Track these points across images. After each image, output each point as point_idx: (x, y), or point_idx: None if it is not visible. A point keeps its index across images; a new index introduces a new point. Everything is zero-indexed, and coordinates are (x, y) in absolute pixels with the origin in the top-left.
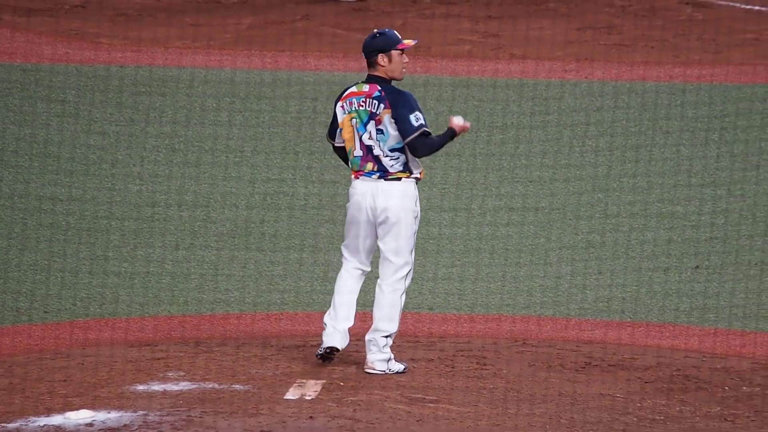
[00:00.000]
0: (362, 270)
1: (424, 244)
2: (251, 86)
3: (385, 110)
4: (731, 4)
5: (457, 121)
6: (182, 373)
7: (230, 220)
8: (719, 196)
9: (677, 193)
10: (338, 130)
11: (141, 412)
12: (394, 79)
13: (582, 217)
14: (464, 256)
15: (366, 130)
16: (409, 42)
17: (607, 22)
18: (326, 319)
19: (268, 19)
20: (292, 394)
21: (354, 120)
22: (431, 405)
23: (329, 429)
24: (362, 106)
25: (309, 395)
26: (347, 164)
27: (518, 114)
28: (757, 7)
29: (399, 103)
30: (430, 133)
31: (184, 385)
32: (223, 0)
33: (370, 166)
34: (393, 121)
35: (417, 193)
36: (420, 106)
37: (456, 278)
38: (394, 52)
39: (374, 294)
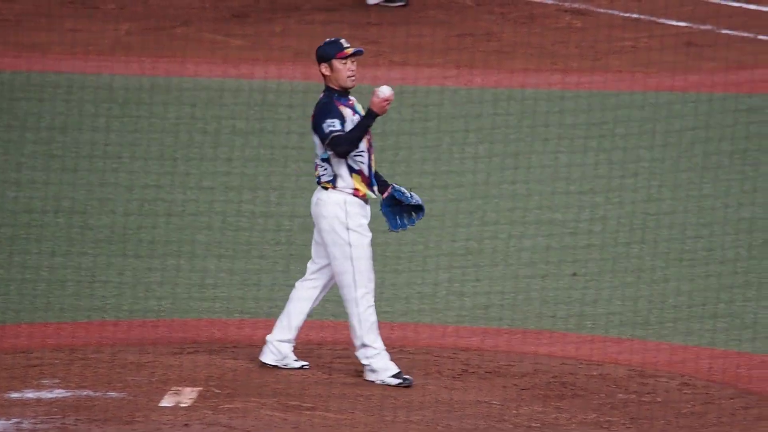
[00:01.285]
0: (311, 279)
1: (303, 251)
2: (129, 92)
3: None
4: (610, 11)
5: (378, 95)
6: (57, 381)
7: (107, 227)
8: (597, 203)
9: (555, 200)
10: None
11: (14, 420)
12: (345, 88)
13: (460, 224)
14: None
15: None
16: (349, 50)
17: (487, 29)
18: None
19: (146, 25)
20: (167, 402)
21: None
22: (308, 412)
23: None
24: None
25: (184, 402)
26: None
27: (398, 121)
28: (635, 15)
29: (315, 113)
30: (342, 137)
31: (58, 393)
32: (102, 6)
33: (315, 172)
34: (312, 129)
35: (353, 207)
36: (339, 115)
37: (334, 285)
38: (335, 61)
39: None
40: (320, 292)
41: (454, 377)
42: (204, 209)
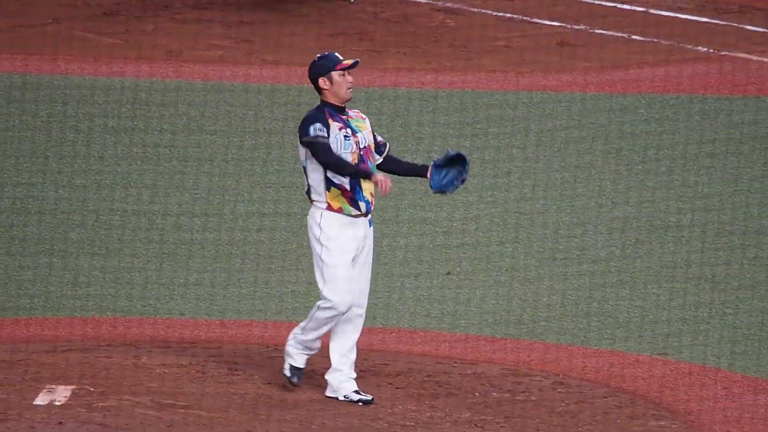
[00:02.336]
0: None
1: (176, 249)
2: (0, 90)
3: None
4: (483, 11)
5: (383, 178)
6: None
7: None
8: (470, 202)
9: (429, 199)
10: None
11: None
12: (343, 100)
13: None
14: (216, 261)
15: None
16: (347, 62)
17: (360, 28)
18: None
19: (17, 23)
20: (41, 400)
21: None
22: (182, 411)
23: None
24: None
25: (58, 401)
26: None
27: (270, 119)
28: (508, 14)
29: (302, 121)
30: (328, 147)
31: None
32: None
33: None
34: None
35: (327, 221)
36: (326, 125)
37: (207, 283)
38: (334, 74)
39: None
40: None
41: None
42: (76, 207)
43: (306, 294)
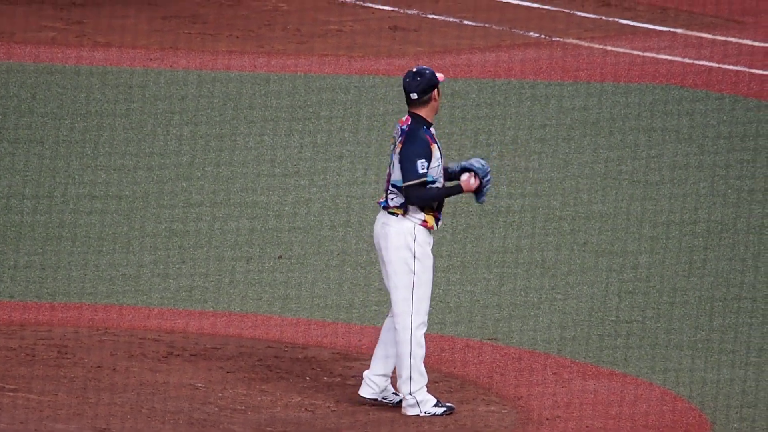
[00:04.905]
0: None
1: (6, 231)
2: None
3: (399, 143)
4: None
5: (468, 180)
6: None
7: None
8: (302, 185)
9: (260, 182)
10: None
11: None
12: (434, 115)
13: (165, 206)
14: (46, 243)
15: (391, 159)
16: (441, 76)
17: (192, 11)
18: None
19: None
20: None
21: (390, 147)
22: (10, 394)
23: None
24: (396, 133)
25: None
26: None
27: (102, 101)
28: None
29: (410, 142)
30: (431, 182)
31: None
32: None
33: (383, 195)
34: (399, 157)
35: (421, 235)
36: (429, 154)
37: (37, 266)
38: (437, 89)
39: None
40: None
41: (158, 359)
42: None
43: (136, 277)
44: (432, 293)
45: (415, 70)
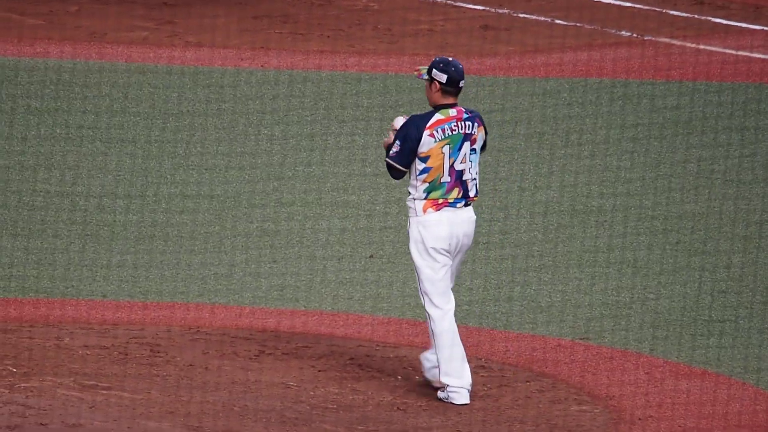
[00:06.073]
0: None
1: (99, 231)
2: None
3: (479, 128)
4: None
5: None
6: None
7: None
8: (393, 185)
9: (351, 182)
10: (417, 158)
11: None
12: None
13: (256, 205)
14: (138, 243)
15: (460, 154)
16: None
17: (283, 10)
18: None
19: None
20: None
21: (446, 147)
22: (104, 392)
23: (0, 416)
24: (455, 130)
25: None
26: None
27: (193, 101)
28: None
29: (483, 121)
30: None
31: None
32: None
33: (455, 193)
34: (482, 144)
35: None
36: None
37: (130, 265)
38: None
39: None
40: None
41: (250, 358)
42: None
43: (228, 276)
44: (523, 292)
45: (450, 59)
